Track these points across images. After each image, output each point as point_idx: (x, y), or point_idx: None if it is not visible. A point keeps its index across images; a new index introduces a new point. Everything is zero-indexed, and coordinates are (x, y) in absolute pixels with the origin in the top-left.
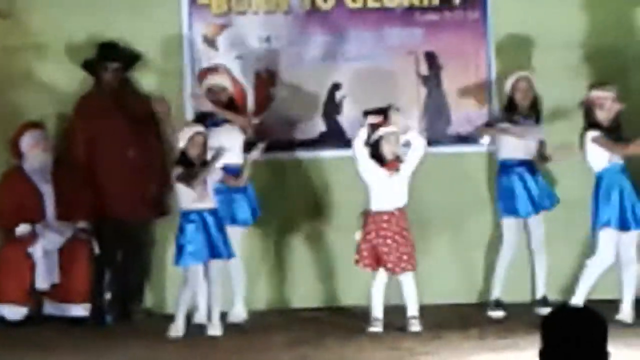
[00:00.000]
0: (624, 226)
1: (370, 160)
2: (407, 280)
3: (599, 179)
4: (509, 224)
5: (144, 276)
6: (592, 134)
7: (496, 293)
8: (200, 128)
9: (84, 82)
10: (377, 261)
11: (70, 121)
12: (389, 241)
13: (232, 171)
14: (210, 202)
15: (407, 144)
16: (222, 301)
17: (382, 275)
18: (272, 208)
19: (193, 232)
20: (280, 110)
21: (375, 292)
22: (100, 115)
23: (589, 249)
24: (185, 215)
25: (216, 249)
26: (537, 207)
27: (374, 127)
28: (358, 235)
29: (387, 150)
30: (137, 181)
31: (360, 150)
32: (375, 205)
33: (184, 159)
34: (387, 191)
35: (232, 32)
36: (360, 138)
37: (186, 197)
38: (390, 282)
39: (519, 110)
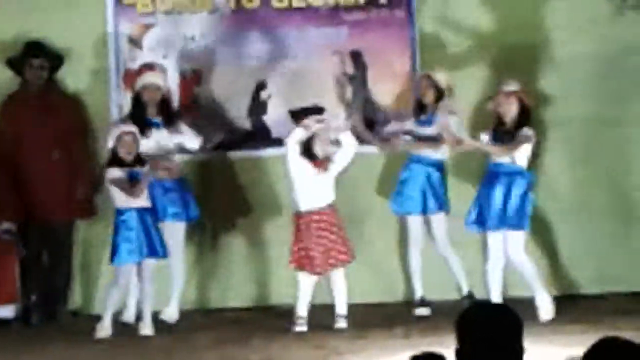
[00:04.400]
0: None
1: (300, 158)
2: (338, 277)
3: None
4: (408, 220)
5: (70, 277)
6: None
7: (419, 291)
8: (128, 127)
9: (11, 81)
10: (309, 261)
11: None
12: (320, 240)
13: None
14: (144, 200)
15: (336, 143)
16: (154, 301)
17: (309, 274)
18: (199, 208)
19: (128, 231)
20: (205, 110)
21: (303, 290)
22: (25, 116)
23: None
24: (120, 214)
25: (152, 248)
26: (428, 209)
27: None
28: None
29: (318, 148)
30: (62, 182)
31: (292, 148)
32: (303, 205)
33: (114, 158)
34: (313, 190)
35: (157, 32)
36: (294, 137)
37: (120, 196)
38: (318, 280)
39: (426, 109)
